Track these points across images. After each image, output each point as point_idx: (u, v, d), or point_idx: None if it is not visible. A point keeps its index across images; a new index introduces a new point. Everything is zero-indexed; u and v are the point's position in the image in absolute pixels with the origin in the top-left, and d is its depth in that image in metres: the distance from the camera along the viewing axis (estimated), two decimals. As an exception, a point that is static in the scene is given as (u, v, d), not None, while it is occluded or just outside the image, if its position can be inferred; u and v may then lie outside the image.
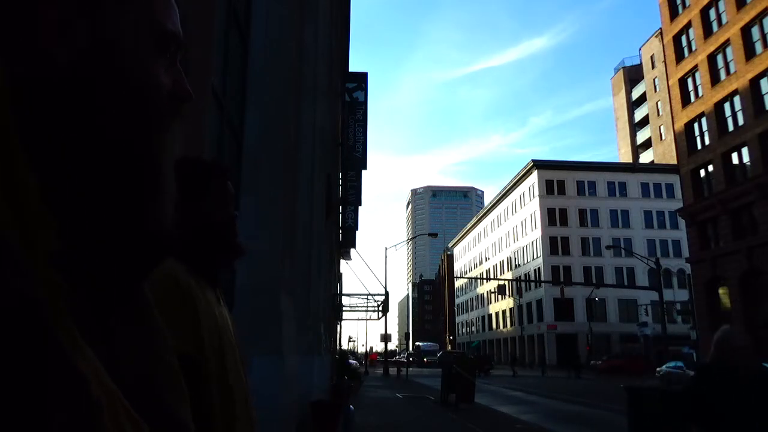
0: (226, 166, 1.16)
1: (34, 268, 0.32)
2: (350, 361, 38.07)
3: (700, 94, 36.79)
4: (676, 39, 39.79)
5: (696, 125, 37.27)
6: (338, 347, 30.48)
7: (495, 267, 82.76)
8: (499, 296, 77.90)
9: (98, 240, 0.44)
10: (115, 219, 0.45)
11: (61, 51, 0.41)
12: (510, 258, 76.01)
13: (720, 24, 35.23)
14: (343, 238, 27.06)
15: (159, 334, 0.55)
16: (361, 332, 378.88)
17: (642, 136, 76.55)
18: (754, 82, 31.89)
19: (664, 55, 42.41)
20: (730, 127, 33.89)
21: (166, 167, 0.49)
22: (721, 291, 34.00)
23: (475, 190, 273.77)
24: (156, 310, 0.55)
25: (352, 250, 30.92)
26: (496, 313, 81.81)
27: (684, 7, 39.11)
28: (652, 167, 67.50)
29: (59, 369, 0.32)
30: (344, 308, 33.26)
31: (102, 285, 0.45)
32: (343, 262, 32.53)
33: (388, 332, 39.55)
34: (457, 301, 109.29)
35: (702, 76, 36.61)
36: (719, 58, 35.39)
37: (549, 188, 65.99)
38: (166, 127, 0.49)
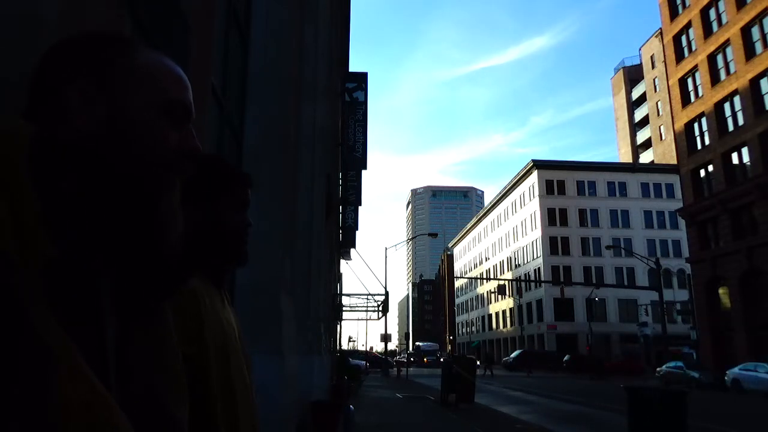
0: (244, 172, 1.18)
1: (20, 262, 0.43)
2: (357, 361, 38.04)
3: (700, 94, 36.79)
4: (676, 39, 39.79)
5: (696, 125, 37.27)
6: (338, 347, 30.48)
7: (495, 267, 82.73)
8: (499, 296, 77.87)
9: (112, 265, 0.56)
10: (124, 248, 0.57)
11: (82, 119, 0.56)
12: (510, 258, 75.98)
13: (720, 24, 35.23)
14: (343, 238, 27.04)
15: (169, 342, 0.64)
16: (361, 332, 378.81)
17: (642, 136, 76.52)
18: (754, 82, 31.89)
19: (664, 55, 42.41)
20: (730, 127, 33.90)
21: (170, 210, 0.61)
22: (721, 291, 34.00)
23: (475, 190, 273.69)
24: (170, 319, 0.65)
25: (352, 250, 30.91)
26: (496, 313, 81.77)
27: (684, 7, 39.11)
28: (652, 167, 67.48)
29: (25, 336, 0.40)
30: (344, 308, 33.24)
31: (119, 302, 0.56)
32: (343, 262, 32.53)
33: (388, 332, 39.54)
34: (457, 301, 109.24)
35: (702, 76, 36.62)
36: (719, 58, 35.39)
37: (549, 188, 65.96)
38: (170, 178, 0.61)
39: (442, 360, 30.43)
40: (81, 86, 0.57)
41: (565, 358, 48.56)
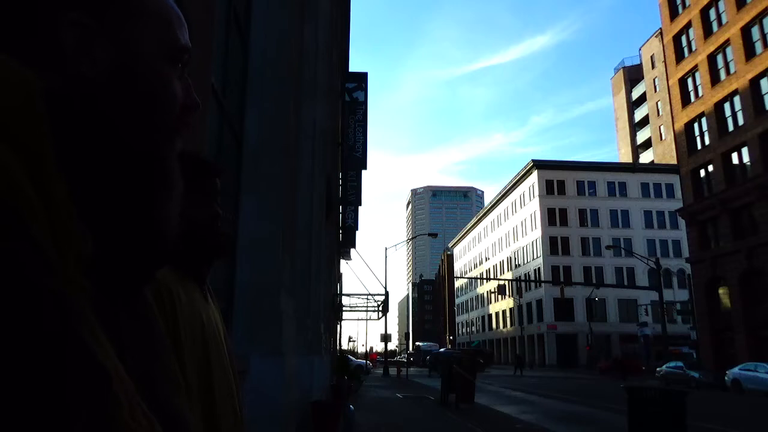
0: (209, 162, 1.14)
1: (63, 270, 0.35)
2: (360, 361, 38.04)
3: (700, 94, 36.80)
4: (676, 39, 39.80)
5: (696, 125, 37.29)
6: (338, 347, 30.49)
7: (495, 267, 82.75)
8: (499, 296, 77.89)
9: (112, 242, 0.47)
10: (127, 221, 0.49)
11: (88, 67, 0.46)
12: (510, 258, 76.01)
13: (720, 24, 35.24)
14: (343, 238, 27.05)
15: (158, 332, 0.59)
16: (361, 332, 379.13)
17: (642, 136, 76.56)
18: (754, 82, 31.90)
19: (664, 55, 42.42)
20: (730, 127, 33.91)
21: (176, 171, 0.53)
22: (721, 291, 34.00)
23: (475, 190, 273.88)
24: (153, 304, 0.60)
25: (352, 250, 30.92)
26: (496, 313, 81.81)
27: (684, 7, 39.13)
28: (652, 167, 67.51)
29: (83, 366, 0.33)
30: (344, 308, 33.25)
31: (112, 285, 0.49)
32: (343, 262, 32.54)
33: (388, 332, 39.56)
34: (457, 301, 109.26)
35: (702, 76, 36.62)
36: (719, 58, 35.40)
37: (549, 188, 65.99)
38: (177, 133, 0.54)
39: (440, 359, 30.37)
40: (79, 20, 0.45)
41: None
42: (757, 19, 31.86)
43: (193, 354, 0.94)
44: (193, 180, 1.07)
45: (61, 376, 0.32)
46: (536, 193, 66.09)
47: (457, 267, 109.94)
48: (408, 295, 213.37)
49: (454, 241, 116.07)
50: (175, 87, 0.53)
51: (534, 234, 66.73)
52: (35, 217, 0.34)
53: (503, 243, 79.41)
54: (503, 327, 78.47)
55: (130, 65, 0.48)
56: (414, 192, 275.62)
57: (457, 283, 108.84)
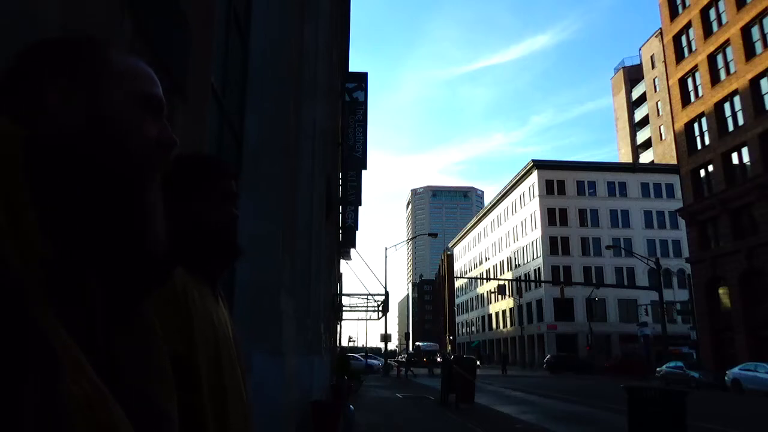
0: (225, 164, 1.15)
1: (24, 268, 0.46)
2: (372, 361, 37.79)
3: (700, 94, 36.79)
4: (676, 39, 39.79)
5: (696, 125, 37.28)
6: (338, 347, 30.50)
7: (495, 267, 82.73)
8: (499, 296, 77.86)
9: (99, 262, 0.58)
10: (111, 246, 0.59)
11: (63, 116, 0.59)
12: (510, 258, 75.99)
13: (720, 24, 35.24)
14: (343, 238, 27.04)
15: (153, 339, 0.66)
16: (361, 332, 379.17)
17: (642, 136, 76.53)
18: (754, 82, 31.89)
19: (664, 55, 42.42)
20: (730, 127, 33.90)
21: (154, 203, 0.63)
22: (721, 291, 34.00)
23: (475, 190, 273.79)
24: (152, 313, 0.67)
25: (352, 250, 30.92)
26: (496, 313, 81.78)
27: (684, 7, 39.12)
28: (652, 167, 67.48)
29: (31, 336, 0.43)
30: (344, 308, 33.25)
31: (105, 299, 0.58)
32: (343, 262, 32.53)
33: (388, 332, 39.56)
34: (457, 301, 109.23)
35: (702, 76, 36.62)
36: (719, 58, 35.39)
37: (549, 188, 65.97)
38: (152, 169, 0.64)
39: (441, 359, 30.41)
40: (60, 83, 0.60)
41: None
42: (757, 19, 31.85)
43: (205, 354, 0.96)
44: (210, 182, 1.08)
45: (18, 343, 0.41)
46: (536, 193, 66.07)
47: (457, 267, 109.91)
48: (408, 295, 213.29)
49: (454, 241, 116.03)
50: (146, 127, 0.64)
51: (534, 234, 66.71)
52: (2, 234, 0.45)
53: (503, 243, 79.39)
54: (503, 327, 78.44)
55: (102, 113, 0.60)
56: (414, 192, 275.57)
57: (457, 283, 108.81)
